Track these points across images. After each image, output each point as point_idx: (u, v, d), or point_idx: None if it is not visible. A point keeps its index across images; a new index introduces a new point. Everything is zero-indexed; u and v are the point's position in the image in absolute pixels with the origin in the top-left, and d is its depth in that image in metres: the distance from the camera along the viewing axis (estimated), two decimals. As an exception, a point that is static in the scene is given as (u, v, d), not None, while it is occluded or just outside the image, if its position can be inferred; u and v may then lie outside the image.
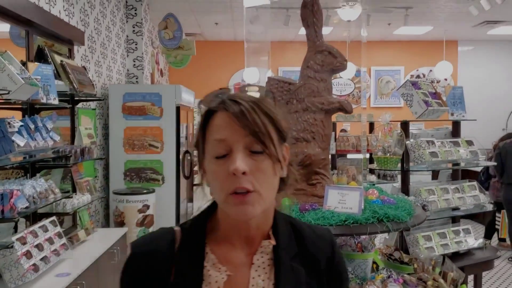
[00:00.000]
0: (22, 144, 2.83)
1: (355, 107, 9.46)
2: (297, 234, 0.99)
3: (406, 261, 2.28)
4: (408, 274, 1.95)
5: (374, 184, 5.10)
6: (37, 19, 3.48)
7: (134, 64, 6.40)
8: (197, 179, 10.90)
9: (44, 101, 3.17)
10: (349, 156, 5.54)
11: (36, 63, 3.30)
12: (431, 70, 9.60)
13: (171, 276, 0.90)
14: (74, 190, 3.88)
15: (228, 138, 0.87)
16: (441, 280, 1.88)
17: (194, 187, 6.45)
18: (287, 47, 8.23)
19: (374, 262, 2.47)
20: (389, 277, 1.97)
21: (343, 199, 1.81)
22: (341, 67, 2.01)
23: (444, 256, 2.17)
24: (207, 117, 0.92)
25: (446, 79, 9.62)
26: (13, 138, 2.75)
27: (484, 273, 4.48)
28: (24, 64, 3.15)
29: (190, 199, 6.50)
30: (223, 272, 0.92)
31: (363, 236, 2.33)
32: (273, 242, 0.94)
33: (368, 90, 9.70)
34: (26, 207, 2.84)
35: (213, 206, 0.97)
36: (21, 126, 2.96)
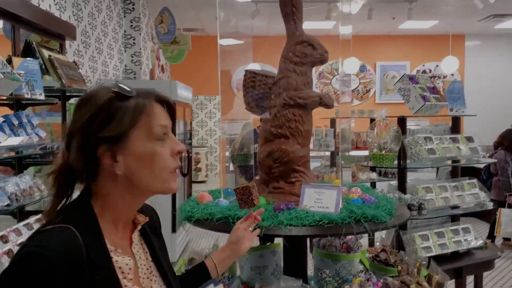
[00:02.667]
0: (2, 140, 2.77)
1: (359, 103, 9.37)
2: (140, 210, 1.14)
3: (392, 262, 2.18)
4: (392, 276, 1.85)
5: (374, 183, 5.01)
6: (24, 12, 3.41)
7: (132, 60, 6.33)
8: (200, 176, 10.88)
9: (28, 96, 3.10)
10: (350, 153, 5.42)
11: (21, 58, 3.24)
12: (437, 65, 9.43)
13: (89, 276, 0.91)
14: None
15: (168, 124, 1.06)
16: (425, 284, 1.78)
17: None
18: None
19: (362, 264, 2.38)
20: (368, 280, 1.87)
21: (319, 198, 1.72)
22: (321, 59, 1.90)
23: (429, 258, 2.06)
24: (141, 107, 1.03)
25: (452, 74, 9.45)
26: (-7, 134, 2.69)
27: (486, 274, 4.35)
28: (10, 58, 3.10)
29: (189, 196, 6.44)
30: (125, 257, 1.02)
31: (349, 236, 2.24)
32: (145, 219, 1.13)
33: (373, 86, 9.56)
34: (7, 205, 2.78)
35: (86, 196, 1.03)
36: (3, 122, 2.90)
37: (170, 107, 1.10)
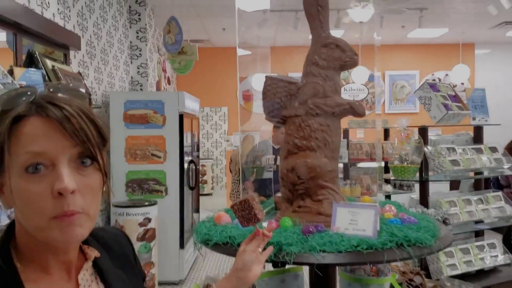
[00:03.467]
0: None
1: (368, 114, 9.17)
2: (98, 239, 0.93)
3: (428, 287, 1.97)
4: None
5: (389, 195, 4.80)
6: (26, 21, 3.26)
7: (138, 71, 6.18)
8: (206, 189, 10.69)
9: (30, 108, 2.92)
10: (362, 164, 5.23)
11: (23, 68, 3.09)
12: (447, 74, 9.25)
13: None
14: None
15: (49, 150, 0.73)
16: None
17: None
18: (297, 51, 7.96)
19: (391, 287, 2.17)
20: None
21: (354, 219, 1.52)
22: (350, 62, 1.72)
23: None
24: (10, 123, 0.74)
25: (462, 83, 9.24)
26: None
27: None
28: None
29: (196, 210, 6.23)
30: None
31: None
32: (96, 254, 0.88)
33: (382, 96, 9.37)
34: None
35: (9, 234, 0.80)
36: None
37: (67, 120, 0.74)
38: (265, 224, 1.60)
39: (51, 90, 0.81)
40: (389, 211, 1.79)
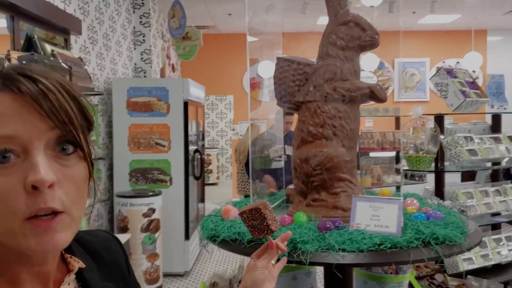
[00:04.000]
0: None
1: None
2: (84, 246, 0.77)
3: (451, 286, 1.83)
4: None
5: (399, 186, 4.64)
6: (24, 3, 3.11)
7: (142, 58, 6.03)
8: (211, 178, 10.58)
9: (28, 94, 2.79)
10: (373, 154, 5.07)
11: (20, 52, 2.95)
12: (458, 62, 9.03)
13: None
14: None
15: (21, 133, 0.59)
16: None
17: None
18: (304, 38, 7.77)
19: (410, 285, 2.03)
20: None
21: (376, 214, 1.37)
22: (371, 42, 1.56)
23: (506, 284, 1.71)
24: None
25: (474, 71, 9.03)
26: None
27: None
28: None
29: (202, 200, 6.11)
30: None
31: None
32: (81, 265, 0.71)
33: (391, 84, 9.18)
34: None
35: None
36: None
37: (44, 95, 0.60)
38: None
39: (23, 62, 0.65)
40: (411, 204, 1.65)
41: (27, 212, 0.58)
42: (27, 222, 0.58)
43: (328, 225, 1.37)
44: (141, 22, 5.96)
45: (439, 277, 1.83)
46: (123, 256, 0.86)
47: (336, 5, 1.60)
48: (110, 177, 4.94)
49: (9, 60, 2.76)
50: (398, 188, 4.65)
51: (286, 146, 3.25)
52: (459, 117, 5.84)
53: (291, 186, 1.73)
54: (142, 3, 5.96)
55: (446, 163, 3.31)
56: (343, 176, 1.56)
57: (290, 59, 1.65)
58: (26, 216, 0.58)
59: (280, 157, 3.23)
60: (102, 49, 4.82)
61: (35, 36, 3.27)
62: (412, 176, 4.90)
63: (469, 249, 1.38)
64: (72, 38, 4.06)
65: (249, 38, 2.86)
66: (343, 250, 1.27)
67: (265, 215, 1.08)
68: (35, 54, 2.96)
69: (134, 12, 5.93)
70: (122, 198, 4.42)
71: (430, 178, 4.06)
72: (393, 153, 5.00)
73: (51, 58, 3.16)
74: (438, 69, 3.42)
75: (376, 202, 1.39)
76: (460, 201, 3.24)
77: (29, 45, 3.28)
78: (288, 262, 1.29)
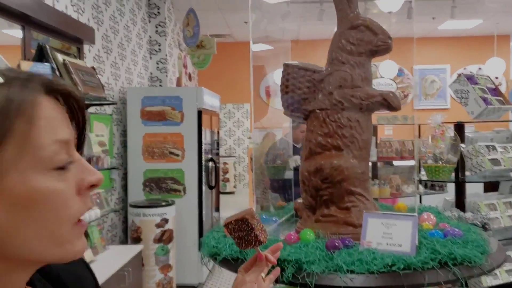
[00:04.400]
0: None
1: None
2: (48, 276, 0.70)
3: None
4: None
5: (420, 197, 4.50)
6: (35, 13, 3.10)
7: (158, 67, 6.02)
8: (228, 187, 10.51)
9: (37, 104, 2.76)
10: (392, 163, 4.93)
11: (30, 62, 2.93)
12: (480, 68, 8.80)
13: None
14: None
15: (71, 137, 0.60)
16: None
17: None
18: (322, 45, 7.68)
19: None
20: None
21: (388, 232, 1.27)
22: (383, 47, 1.47)
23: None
24: (16, 106, 0.55)
25: (497, 77, 8.79)
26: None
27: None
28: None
29: (217, 209, 6.04)
30: None
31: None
32: None
33: (411, 91, 9.00)
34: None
35: None
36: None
37: (73, 102, 0.61)
38: (282, 236, 1.37)
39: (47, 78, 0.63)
40: (428, 220, 1.54)
41: (78, 215, 0.59)
42: (75, 226, 0.59)
43: (336, 244, 1.28)
44: (157, 31, 5.95)
45: (459, 297, 1.70)
46: (92, 280, 0.79)
47: (346, 8, 1.51)
48: (124, 187, 4.90)
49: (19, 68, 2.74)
50: (418, 199, 4.51)
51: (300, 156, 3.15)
52: (481, 125, 5.66)
53: (300, 200, 1.64)
54: (158, 12, 5.96)
55: (467, 173, 3.17)
56: (354, 189, 1.46)
57: (298, 66, 1.57)
58: (76, 219, 0.59)
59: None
60: (117, 59, 4.81)
61: (47, 46, 3.26)
62: (432, 186, 4.75)
63: (490, 271, 1.27)
64: (86, 47, 4.05)
65: (256, 47, 2.79)
66: (352, 271, 1.17)
67: (252, 225, 0.99)
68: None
69: (149, 21, 5.93)
70: (135, 208, 4.38)
71: (451, 187, 3.92)
72: (412, 162, 4.85)
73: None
74: (459, 76, 3.30)
75: (388, 219, 1.29)
76: (482, 213, 3.09)
77: (41, 54, 3.27)
78: (292, 284, 1.19)
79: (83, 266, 0.79)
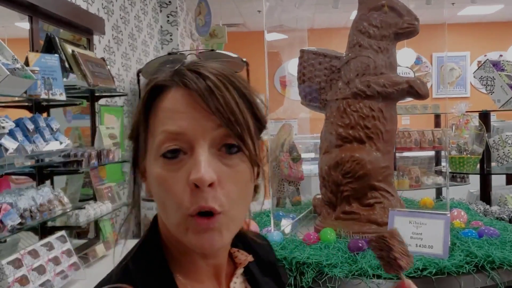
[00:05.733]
0: (12, 148, 2.37)
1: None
2: (242, 241, 0.78)
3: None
4: None
5: (440, 189, 4.35)
6: (42, 3, 3.02)
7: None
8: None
9: (46, 96, 2.71)
10: (411, 154, 4.78)
11: (38, 53, 2.86)
12: (501, 55, 8.55)
13: None
14: (95, 198, 3.42)
15: (189, 130, 0.61)
16: None
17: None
18: (338, 34, 7.51)
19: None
20: None
21: (418, 232, 1.16)
22: (410, 29, 1.35)
23: None
24: (153, 95, 0.64)
25: (519, 65, 8.54)
26: (0, 141, 2.29)
27: None
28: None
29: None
30: None
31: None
32: (250, 258, 0.75)
33: (429, 79, 8.79)
34: (20, 223, 2.38)
35: (155, 231, 0.69)
36: (15, 127, 2.51)
37: (210, 92, 0.61)
38: (300, 235, 1.26)
39: (200, 58, 0.56)
40: (459, 217, 1.42)
41: (191, 209, 0.60)
42: (190, 218, 0.61)
43: (360, 245, 1.17)
44: (168, 21, 5.85)
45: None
46: (274, 257, 0.88)
47: (368, -13, 1.38)
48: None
49: (26, 63, 2.67)
50: (438, 191, 4.36)
51: None
52: (504, 114, 5.46)
53: (318, 196, 1.53)
54: (169, 2, 5.85)
55: (493, 164, 3.02)
56: (378, 185, 1.35)
57: (316, 52, 1.45)
58: (190, 212, 0.60)
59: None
60: (128, 49, 4.72)
61: (56, 37, 3.18)
62: (453, 177, 4.59)
63: (532, 275, 1.15)
64: (96, 38, 3.96)
65: (270, 36, 2.65)
66: (378, 276, 1.06)
67: (392, 246, 0.88)
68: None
69: (161, 11, 5.83)
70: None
71: (473, 179, 3.76)
72: (432, 153, 4.69)
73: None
74: (480, 63, 3.14)
75: (417, 217, 1.17)
76: (509, 206, 2.95)
77: (49, 45, 3.20)
78: (312, 290, 1.09)
79: (268, 245, 0.87)
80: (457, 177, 4.54)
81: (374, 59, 1.33)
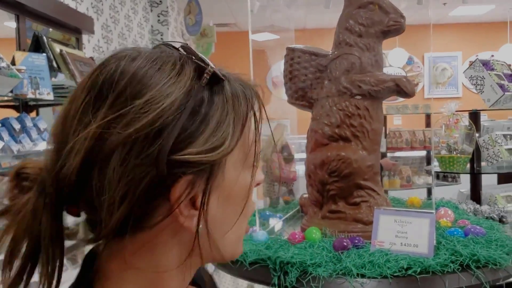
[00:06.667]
0: (-3, 147, 2.34)
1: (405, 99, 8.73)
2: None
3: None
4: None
5: (430, 189, 4.34)
6: (29, 1, 2.99)
7: (161, 57, 5.88)
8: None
9: (33, 96, 2.68)
10: (402, 154, 4.79)
11: (25, 52, 2.82)
12: (492, 55, 8.57)
13: None
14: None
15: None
16: None
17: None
18: (329, 34, 7.50)
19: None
20: None
21: (403, 231, 1.15)
22: (396, 27, 1.34)
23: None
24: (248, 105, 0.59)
25: (510, 65, 8.57)
26: (-15, 141, 2.26)
27: None
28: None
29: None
30: None
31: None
32: None
33: (421, 80, 8.81)
34: (6, 225, 2.34)
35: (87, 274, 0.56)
36: (1, 126, 2.48)
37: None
38: (286, 236, 1.25)
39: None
40: (445, 216, 1.41)
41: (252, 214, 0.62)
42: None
43: (345, 244, 1.15)
44: (159, 20, 5.82)
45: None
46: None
47: (354, -16, 1.37)
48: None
49: (13, 63, 2.64)
50: (429, 191, 4.37)
51: None
52: (495, 113, 5.48)
53: (305, 195, 1.52)
54: (160, 1, 5.82)
55: (483, 164, 3.02)
56: (364, 183, 1.34)
57: (303, 50, 1.44)
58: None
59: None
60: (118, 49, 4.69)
61: (43, 36, 3.15)
62: (444, 177, 4.60)
63: (518, 274, 1.14)
64: (85, 37, 3.93)
65: (261, 36, 2.64)
66: (363, 275, 1.05)
67: None
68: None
69: (151, 10, 5.80)
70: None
71: (464, 179, 3.76)
72: (423, 153, 4.70)
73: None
74: (471, 63, 3.14)
75: (403, 216, 1.16)
76: (499, 205, 2.95)
77: (37, 44, 3.16)
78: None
79: (210, 280, 0.76)
80: (448, 177, 4.55)
81: (360, 57, 1.32)
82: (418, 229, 1.14)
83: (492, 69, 3.08)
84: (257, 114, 0.58)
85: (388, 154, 4.81)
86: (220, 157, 0.51)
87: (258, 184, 0.59)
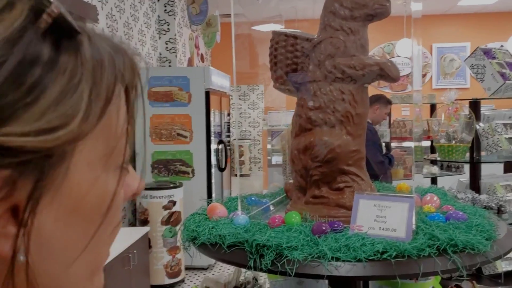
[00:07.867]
0: None
1: (416, 90, 8.60)
2: None
3: (481, 296, 1.58)
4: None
5: (435, 178, 4.32)
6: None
7: (167, 47, 5.90)
8: (243, 169, 10.43)
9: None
10: (406, 144, 4.76)
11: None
12: (502, 46, 8.45)
13: None
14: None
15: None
16: None
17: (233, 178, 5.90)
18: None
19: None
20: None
21: (381, 215, 1.15)
22: (381, 10, 1.33)
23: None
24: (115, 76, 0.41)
25: (520, 55, 8.45)
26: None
27: None
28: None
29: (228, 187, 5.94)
30: None
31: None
32: None
33: (429, 70, 8.72)
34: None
35: None
36: None
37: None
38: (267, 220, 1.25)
39: None
40: (431, 202, 1.41)
41: (118, 230, 0.45)
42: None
43: (324, 228, 1.16)
44: (165, 10, 5.82)
45: (466, 286, 1.58)
46: None
47: (339, -32, 1.36)
48: (133, 169, 4.84)
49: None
50: (433, 180, 4.34)
51: None
52: (501, 103, 5.41)
53: (290, 181, 1.53)
54: (166, -10, 5.82)
55: (482, 153, 3.00)
56: (347, 169, 1.34)
57: (288, 33, 1.43)
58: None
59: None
60: (123, 39, 4.70)
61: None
62: (448, 166, 4.57)
63: (496, 259, 1.13)
64: (89, 27, 3.94)
65: (267, 27, 2.63)
66: (338, 259, 1.05)
67: None
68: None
69: (158, 0, 5.80)
70: (143, 190, 4.31)
71: (468, 168, 3.73)
72: (427, 143, 4.68)
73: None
74: (475, 50, 3.10)
75: (382, 201, 1.16)
76: (498, 195, 2.93)
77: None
78: (270, 272, 1.08)
79: None
80: (452, 166, 4.52)
81: (344, 40, 1.31)
82: (397, 213, 1.14)
83: (494, 58, 3.05)
84: (133, 93, 0.43)
85: (392, 144, 4.79)
86: (61, 143, 0.34)
87: (134, 195, 0.45)
